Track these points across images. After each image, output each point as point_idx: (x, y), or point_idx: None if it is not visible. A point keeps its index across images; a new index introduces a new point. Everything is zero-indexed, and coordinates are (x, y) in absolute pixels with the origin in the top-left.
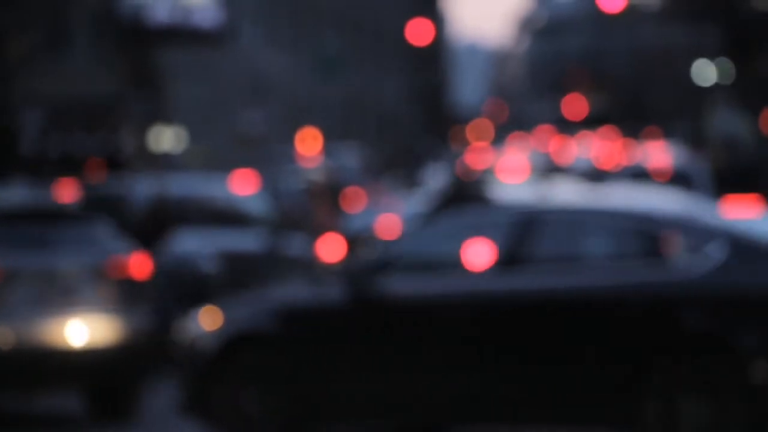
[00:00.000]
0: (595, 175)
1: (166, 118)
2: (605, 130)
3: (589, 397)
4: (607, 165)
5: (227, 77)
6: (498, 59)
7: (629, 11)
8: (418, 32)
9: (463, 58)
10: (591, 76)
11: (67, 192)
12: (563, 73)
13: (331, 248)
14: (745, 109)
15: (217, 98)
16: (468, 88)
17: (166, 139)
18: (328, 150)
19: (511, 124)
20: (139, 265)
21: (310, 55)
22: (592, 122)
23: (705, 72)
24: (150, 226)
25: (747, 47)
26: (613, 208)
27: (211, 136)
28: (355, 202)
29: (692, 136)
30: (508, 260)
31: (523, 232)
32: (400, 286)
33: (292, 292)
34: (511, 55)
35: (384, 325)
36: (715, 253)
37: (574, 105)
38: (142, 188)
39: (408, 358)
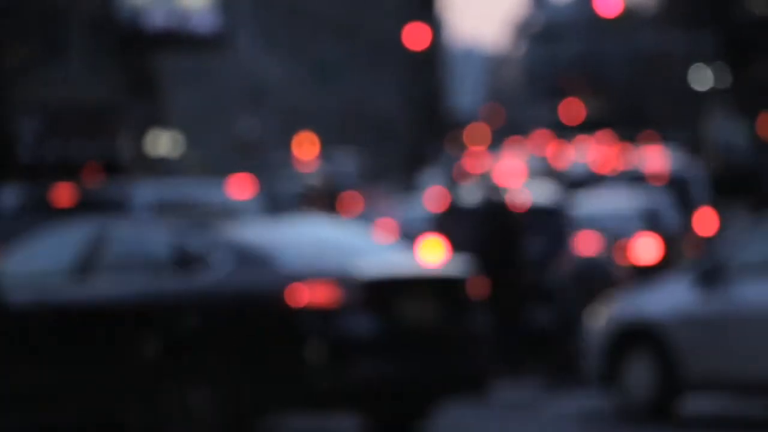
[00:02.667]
0: (592, 180)
1: (164, 123)
2: (602, 134)
3: (119, 390)
4: (604, 169)
5: (224, 82)
6: (495, 64)
7: (626, 16)
8: (414, 37)
9: (460, 63)
10: (588, 81)
11: (64, 196)
12: (560, 78)
13: None
14: (741, 113)
15: (214, 103)
16: (465, 92)
17: (163, 144)
18: (325, 155)
19: (508, 128)
20: None
21: (307, 61)
22: (589, 126)
23: (702, 76)
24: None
25: (743, 52)
26: (139, 222)
27: (209, 141)
28: (352, 206)
29: (689, 141)
30: (79, 269)
31: (92, 245)
32: (12, 294)
33: None
34: (508, 59)
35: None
36: (222, 263)
37: (571, 109)
38: (141, 193)
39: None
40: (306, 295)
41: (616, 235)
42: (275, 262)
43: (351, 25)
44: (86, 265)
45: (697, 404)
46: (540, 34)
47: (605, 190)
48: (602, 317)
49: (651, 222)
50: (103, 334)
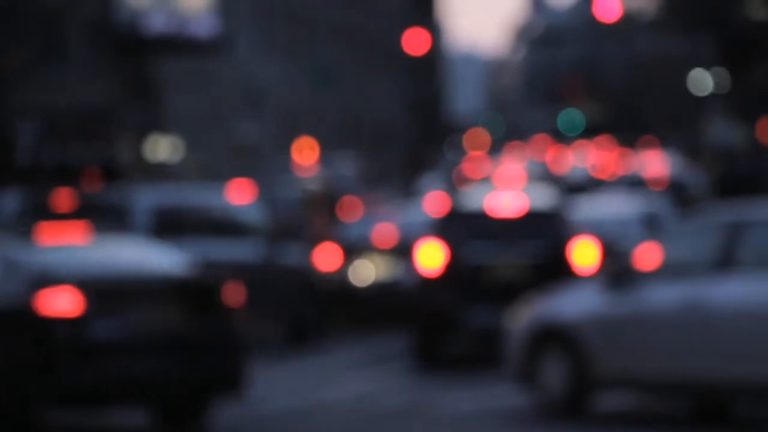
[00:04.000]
0: (592, 184)
1: (163, 128)
2: (601, 139)
3: None
4: (604, 174)
5: (223, 87)
6: (494, 68)
7: (625, 21)
8: (414, 42)
9: (460, 68)
10: (587, 86)
11: (64, 201)
12: (559, 83)
13: (327, 257)
14: (741, 118)
15: (213, 108)
16: (464, 97)
17: (162, 148)
18: (324, 159)
19: (508, 133)
20: None
21: (306, 65)
22: (588, 131)
23: (701, 81)
24: None
25: (743, 56)
26: None
27: (208, 146)
28: (352, 211)
29: (688, 146)
30: None
31: None
32: None
33: None
34: (507, 64)
35: None
36: None
37: (571, 114)
38: (141, 198)
39: None
40: (51, 303)
41: (615, 240)
42: (32, 273)
43: (351, 30)
44: None
45: (608, 401)
46: (539, 39)
47: (605, 195)
48: (522, 319)
49: (650, 226)
50: None
